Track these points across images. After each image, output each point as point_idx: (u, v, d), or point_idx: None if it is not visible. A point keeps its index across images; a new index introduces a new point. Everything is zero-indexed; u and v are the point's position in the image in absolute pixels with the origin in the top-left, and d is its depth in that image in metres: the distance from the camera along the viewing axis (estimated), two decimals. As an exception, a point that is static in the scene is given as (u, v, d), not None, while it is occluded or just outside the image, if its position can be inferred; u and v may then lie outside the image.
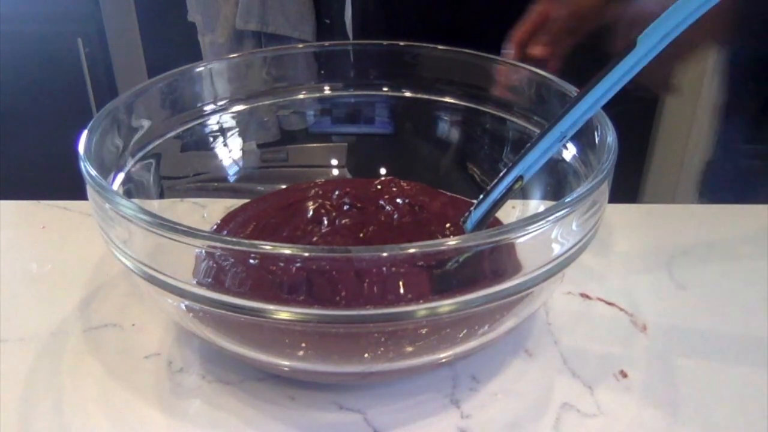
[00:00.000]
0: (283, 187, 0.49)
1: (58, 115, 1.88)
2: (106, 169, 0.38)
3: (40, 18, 1.78)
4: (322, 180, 0.51)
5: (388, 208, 0.47)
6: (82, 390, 0.37)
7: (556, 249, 0.33)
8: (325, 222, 0.46)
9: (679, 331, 0.42)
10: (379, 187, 0.49)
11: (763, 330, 0.42)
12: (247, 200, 0.48)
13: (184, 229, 0.30)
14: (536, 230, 0.31)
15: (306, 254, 0.30)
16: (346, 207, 0.47)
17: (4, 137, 1.93)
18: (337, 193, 0.48)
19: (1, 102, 1.92)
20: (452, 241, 0.31)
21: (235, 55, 0.47)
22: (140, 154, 0.42)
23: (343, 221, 0.46)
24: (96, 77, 1.88)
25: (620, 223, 0.51)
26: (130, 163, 0.41)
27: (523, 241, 0.31)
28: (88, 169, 0.33)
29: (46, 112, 1.89)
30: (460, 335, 0.35)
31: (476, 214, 0.39)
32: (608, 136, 0.37)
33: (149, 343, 0.40)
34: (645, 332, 0.42)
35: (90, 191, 0.33)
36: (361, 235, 0.44)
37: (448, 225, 0.45)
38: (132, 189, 0.41)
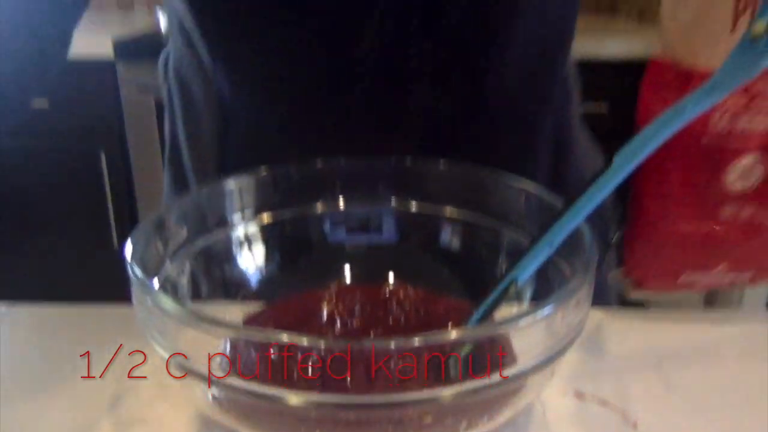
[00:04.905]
0: (300, 292, 0.54)
1: (78, 227, 1.97)
2: (148, 272, 0.42)
3: (63, 133, 1.88)
4: (336, 287, 0.55)
5: (396, 312, 0.51)
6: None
7: (544, 344, 0.37)
8: (338, 325, 0.50)
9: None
10: (387, 294, 0.54)
11: None
12: (265, 305, 0.52)
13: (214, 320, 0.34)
14: (524, 326, 0.35)
15: (322, 345, 0.34)
16: (357, 312, 0.52)
17: (31, 246, 2.01)
18: (349, 298, 0.53)
19: (27, 214, 2.00)
20: (451, 333, 0.35)
21: (263, 172, 0.52)
22: (175, 260, 0.46)
23: (355, 325, 0.50)
24: (116, 191, 1.97)
25: (611, 327, 0.54)
26: (168, 266, 0.45)
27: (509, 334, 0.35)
28: (135, 271, 0.38)
29: (65, 224, 1.99)
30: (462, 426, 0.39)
31: (476, 316, 0.43)
32: (587, 241, 0.41)
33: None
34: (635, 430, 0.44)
35: (135, 291, 0.38)
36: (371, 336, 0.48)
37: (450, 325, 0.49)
38: (168, 289, 0.45)
